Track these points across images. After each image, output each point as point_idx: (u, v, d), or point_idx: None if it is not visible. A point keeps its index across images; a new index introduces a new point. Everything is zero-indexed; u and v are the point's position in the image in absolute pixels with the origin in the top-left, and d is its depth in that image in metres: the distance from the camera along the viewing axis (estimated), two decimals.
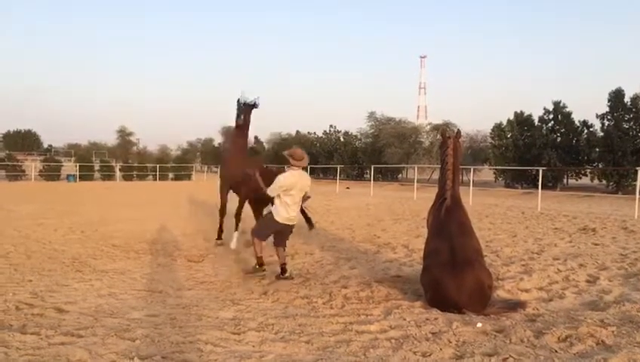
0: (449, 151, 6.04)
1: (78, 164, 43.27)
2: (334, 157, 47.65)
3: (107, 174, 44.29)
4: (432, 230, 6.00)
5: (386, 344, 4.29)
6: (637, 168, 17.89)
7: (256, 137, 68.41)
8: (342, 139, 51.85)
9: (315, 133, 57.14)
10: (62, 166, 44.13)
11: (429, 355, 4.03)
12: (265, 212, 9.29)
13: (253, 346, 4.25)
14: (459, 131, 7.05)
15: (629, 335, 4.35)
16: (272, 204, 7.07)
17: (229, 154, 9.30)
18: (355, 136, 50.16)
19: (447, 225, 5.71)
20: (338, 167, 36.27)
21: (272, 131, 68.42)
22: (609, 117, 28.58)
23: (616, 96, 28.16)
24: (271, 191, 6.83)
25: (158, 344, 4.21)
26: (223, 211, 9.42)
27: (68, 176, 40.94)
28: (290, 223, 7.02)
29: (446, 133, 6.41)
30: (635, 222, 13.14)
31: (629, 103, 27.82)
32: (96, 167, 45.81)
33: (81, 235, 11.08)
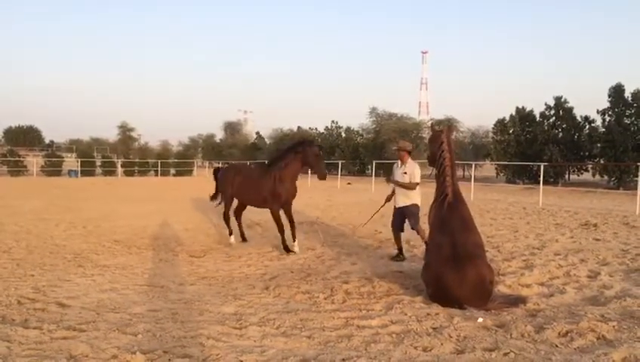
0: (444, 146, 6.04)
1: (79, 160, 43.38)
2: (336, 152, 47.66)
3: (109, 170, 44.39)
4: (433, 225, 6.00)
5: (387, 339, 4.30)
6: (638, 164, 17.91)
7: (257, 133, 68.52)
8: (343, 135, 51.86)
9: (316, 128, 57.19)
10: (63, 161, 44.28)
11: (430, 350, 4.04)
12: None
13: (255, 341, 4.26)
14: (450, 126, 7.16)
15: (629, 330, 4.36)
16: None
17: (257, 180, 8.98)
18: (357, 131, 50.17)
19: (449, 220, 5.70)
20: (339, 162, 36.25)
21: (274, 127, 68.45)
22: (610, 112, 28.55)
23: (617, 92, 28.14)
24: (418, 180, 7.97)
25: (159, 338, 4.23)
26: (233, 214, 9.60)
27: (69, 172, 41.02)
28: None
29: (436, 128, 6.42)
30: (636, 218, 13.13)
31: (630, 98, 27.78)
32: (98, 163, 45.95)
33: (82, 230, 11.10)
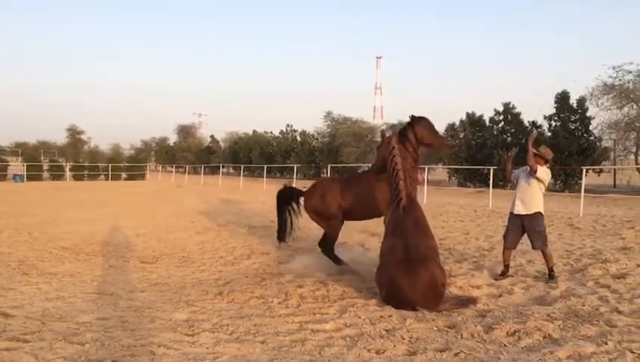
0: (395, 151, 6.14)
1: (25, 164, 41.80)
2: (291, 156, 47.60)
3: (57, 174, 43.04)
4: (388, 228, 6.07)
5: (340, 342, 4.31)
6: (582, 167, 18.62)
7: (212, 136, 67.75)
8: (299, 139, 51.87)
9: (271, 132, 56.96)
10: (8, 165, 42.58)
11: (383, 352, 4.08)
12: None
13: (207, 348, 4.19)
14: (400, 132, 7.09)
15: (574, 329, 4.52)
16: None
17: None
18: (312, 135, 50.26)
19: (404, 223, 5.79)
20: (295, 166, 36.23)
21: (228, 131, 67.79)
22: (556, 118, 29.62)
23: (562, 98, 29.21)
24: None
25: (108, 348, 4.10)
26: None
27: (15, 176, 39.51)
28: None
29: (385, 134, 6.48)
30: (580, 220, 13.62)
31: (574, 105, 28.89)
32: (45, 167, 44.47)
33: (28, 237, 10.70)
